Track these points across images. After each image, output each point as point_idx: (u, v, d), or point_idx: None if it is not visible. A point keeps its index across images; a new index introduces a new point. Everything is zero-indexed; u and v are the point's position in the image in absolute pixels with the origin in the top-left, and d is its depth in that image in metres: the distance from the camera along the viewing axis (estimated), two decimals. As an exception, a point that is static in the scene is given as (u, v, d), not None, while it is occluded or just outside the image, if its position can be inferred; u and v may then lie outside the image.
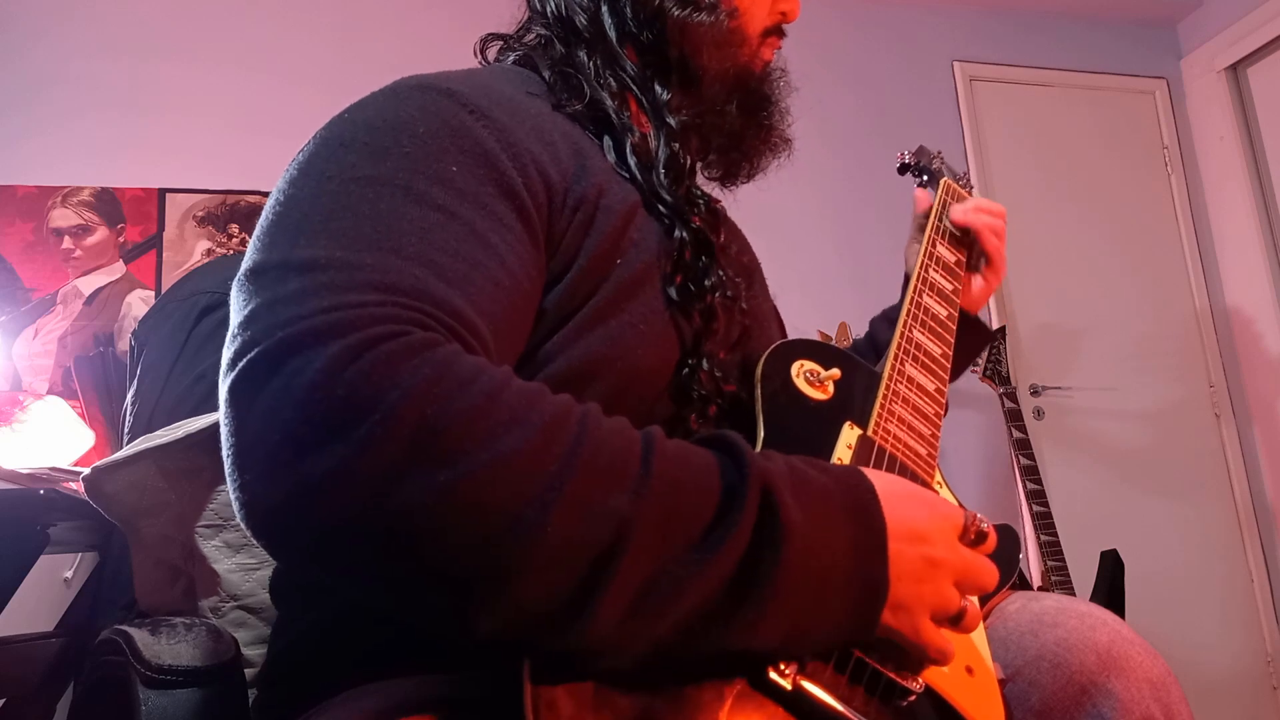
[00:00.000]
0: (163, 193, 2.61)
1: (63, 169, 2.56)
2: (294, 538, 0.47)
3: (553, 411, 0.48)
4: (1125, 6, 3.44)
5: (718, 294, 0.69)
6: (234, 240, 2.62)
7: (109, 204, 2.57)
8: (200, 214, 2.62)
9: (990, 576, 0.58)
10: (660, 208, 0.70)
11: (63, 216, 2.54)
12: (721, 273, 0.70)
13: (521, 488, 0.44)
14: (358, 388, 0.44)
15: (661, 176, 0.71)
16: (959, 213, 1.01)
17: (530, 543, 0.44)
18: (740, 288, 0.74)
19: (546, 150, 0.63)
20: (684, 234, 0.69)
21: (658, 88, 0.77)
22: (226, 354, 0.49)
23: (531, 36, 0.81)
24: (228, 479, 0.47)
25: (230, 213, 2.64)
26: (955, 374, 1.00)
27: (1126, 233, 3.32)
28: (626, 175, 0.71)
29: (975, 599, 0.58)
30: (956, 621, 0.56)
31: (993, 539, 0.59)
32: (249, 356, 0.47)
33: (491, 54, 0.84)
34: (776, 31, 0.85)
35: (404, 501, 0.43)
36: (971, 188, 1.14)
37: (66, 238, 2.53)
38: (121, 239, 2.57)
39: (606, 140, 0.72)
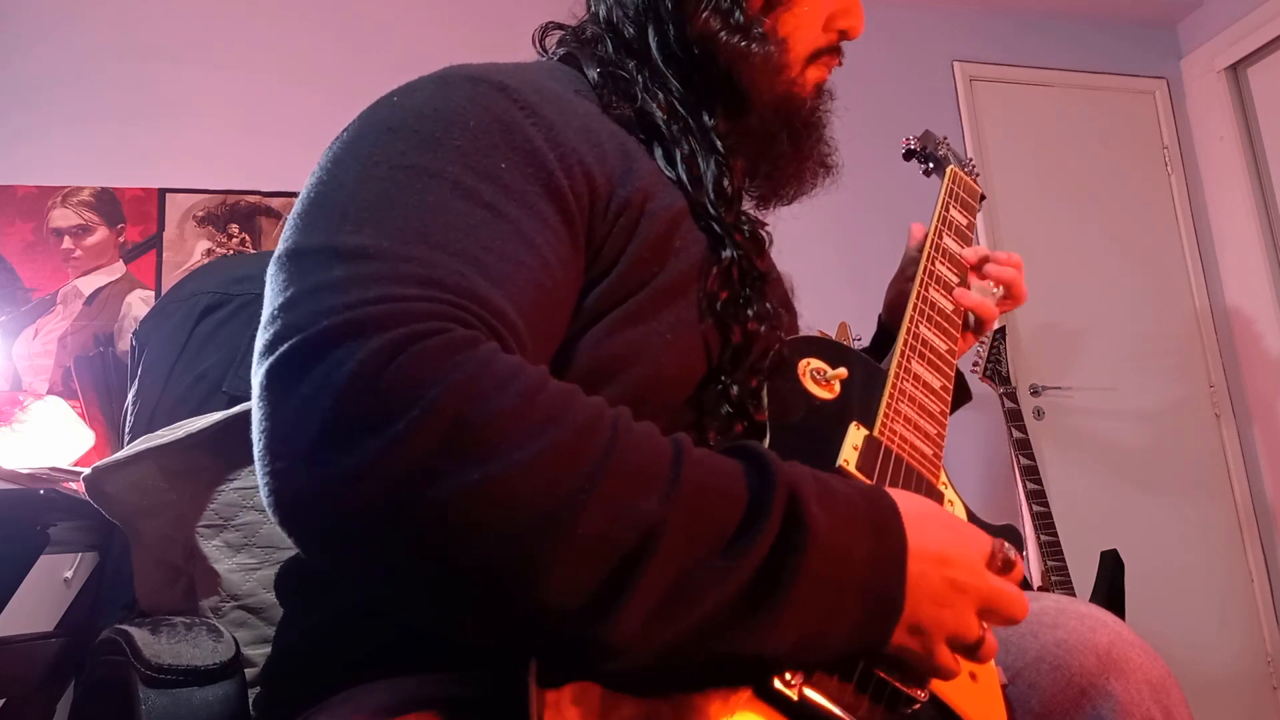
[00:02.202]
0: (163, 193, 2.61)
1: (63, 169, 2.56)
2: (321, 527, 0.46)
3: (587, 414, 0.48)
4: (1125, 6, 3.44)
5: (764, 324, 0.68)
6: (234, 240, 2.62)
7: (109, 204, 2.57)
8: (200, 214, 2.62)
9: (1020, 608, 0.56)
10: (713, 225, 0.69)
11: (63, 216, 2.54)
12: (768, 304, 0.70)
13: (553, 487, 0.44)
14: (397, 383, 0.44)
15: (712, 197, 0.71)
16: (963, 297, 0.91)
17: (560, 541, 0.44)
18: (781, 316, 0.73)
19: (593, 151, 0.63)
20: (734, 253, 0.69)
21: (704, 115, 0.75)
22: (264, 336, 0.49)
23: (588, 34, 0.80)
24: (256, 464, 0.47)
25: (230, 213, 2.64)
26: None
27: (1126, 233, 3.32)
28: (674, 179, 0.70)
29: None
30: (973, 651, 0.55)
31: (1019, 569, 0.57)
32: (290, 342, 0.47)
33: (550, 42, 0.82)
34: (831, 51, 0.82)
35: (436, 497, 0.43)
36: (978, 175, 1.12)
37: (66, 238, 2.53)
38: (121, 239, 2.57)
39: (656, 147, 0.71)
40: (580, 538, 0.44)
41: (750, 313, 0.68)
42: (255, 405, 0.48)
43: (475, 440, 0.44)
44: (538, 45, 0.83)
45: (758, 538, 0.47)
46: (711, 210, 0.70)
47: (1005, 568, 0.57)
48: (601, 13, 0.79)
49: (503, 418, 0.45)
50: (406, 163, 0.55)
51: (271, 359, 0.47)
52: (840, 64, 0.84)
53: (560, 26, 0.82)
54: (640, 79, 0.74)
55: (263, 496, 0.47)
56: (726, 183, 0.73)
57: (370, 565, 0.47)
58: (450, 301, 0.49)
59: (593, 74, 0.74)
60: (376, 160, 0.56)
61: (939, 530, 0.55)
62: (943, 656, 0.54)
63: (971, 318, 0.94)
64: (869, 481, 0.65)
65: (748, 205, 0.85)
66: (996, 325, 2.82)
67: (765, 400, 0.68)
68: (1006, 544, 0.57)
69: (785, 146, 0.81)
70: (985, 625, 0.55)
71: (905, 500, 0.56)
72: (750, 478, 0.50)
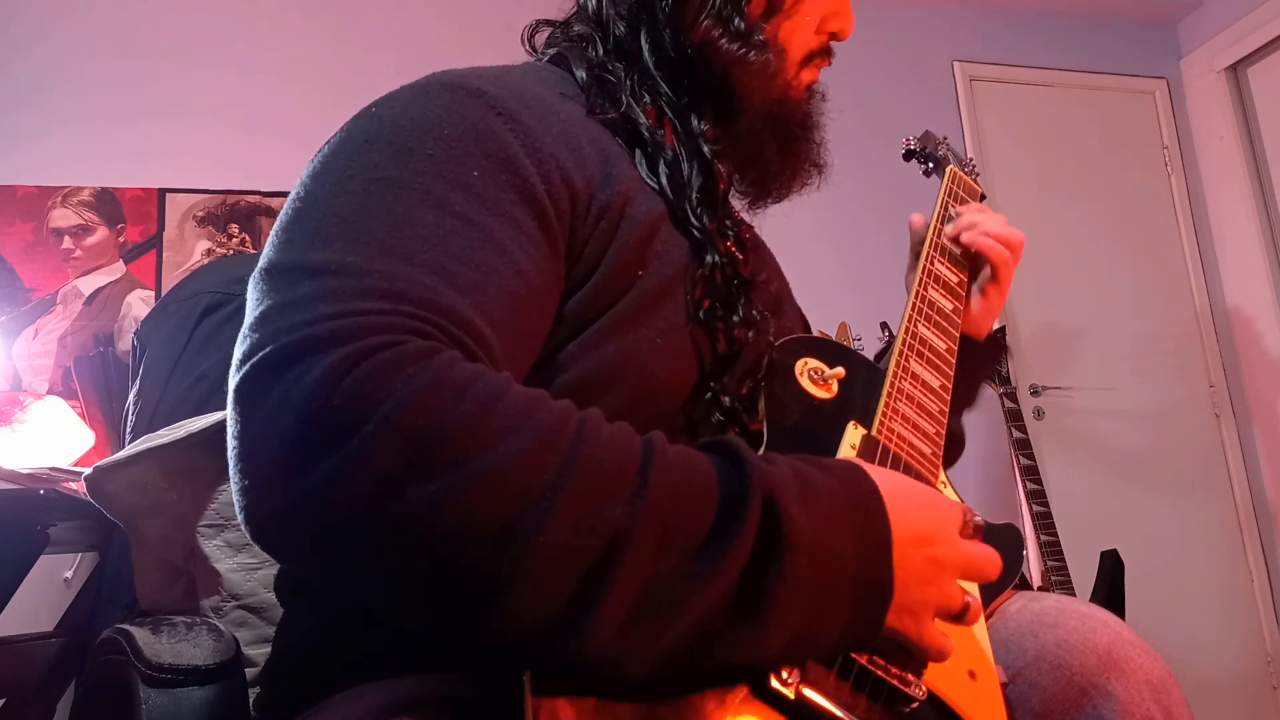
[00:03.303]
0: (163, 193, 2.61)
1: (63, 169, 2.56)
2: (291, 545, 0.47)
3: (550, 419, 0.47)
4: (1125, 6, 3.44)
5: (751, 331, 0.68)
6: (234, 240, 2.62)
7: (109, 204, 2.57)
8: (200, 214, 2.62)
9: (993, 565, 0.58)
10: (693, 231, 0.69)
11: (63, 216, 2.54)
12: (755, 310, 0.70)
13: (514, 498, 0.44)
14: (353, 397, 0.44)
15: (694, 202, 0.70)
16: (967, 236, 0.93)
17: (523, 554, 0.43)
18: (769, 321, 0.72)
19: (572, 156, 0.63)
20: (715, 258, 0.68)
21: (694, 119, 0.75)
22: (237, 352, 0.49)
23: (576, 31, 0.79)
24: (231, 481, 0.47)
25: (230, 213, 2.64)
26: (969, 402, 0.96)
27: (1126, 233, 3.32)
28: (655, 187, 0.70)
29: (976, 592, 0.58)
30: (960, 617, 0.56)
31: (982, 533, 0.59)
32: (254, 360, 0.47)
33: (540, 40, 0.82)
34: (822, 53, 0.82)
35: (396, 512, 0.43)
36: (978, 175, 1.12)
37: (66, 238, 2.53)
38: (121, 239, 2.57)
39: (638, 152, 0.71)
40: (544, 549, 0.43)
41: (735, 319, 0.68)
42: (228, 421, 0.48)
43: (432, 452, 0.44)
44: (526, 44, 0.82)
45: (733, 541, 0.47)
46: (693, 218, 0.69)
47: (975, 533, 0.59)
48: (591, 7, 0.78)
49: (460, 427, 0.44)
50: (379, 175, 0.55)
51: (238, 376, 0.48)
52: (830, 64, 0.84)
53: (550, 24, 0.82)
54: (628, 82, 0.74)
55: (236, 512, 0.47)
56: (711, 187, 0.72)
57: (344, 579, 0.47)
58: (410, 314, 0.49)
59: (581, 75, 0.74)
60: (351, 174, 0.56)
61: (918, 509, 0.55)
62: (931, 633, 0.55)
63: (987, 270, 0.94)
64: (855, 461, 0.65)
65: (738, 205, 0.85)
66: (996, 324, 2.82)
67: (761, 406, 0.68)
68: (974, 511, 0.59)
69: (776, 151, 0.81)
70: (967, 592, 0.56)
71: (882, 479, 0.55)
72: (725, 477, 0.49)
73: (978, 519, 0.59)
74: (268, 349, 0.47)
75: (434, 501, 0.43)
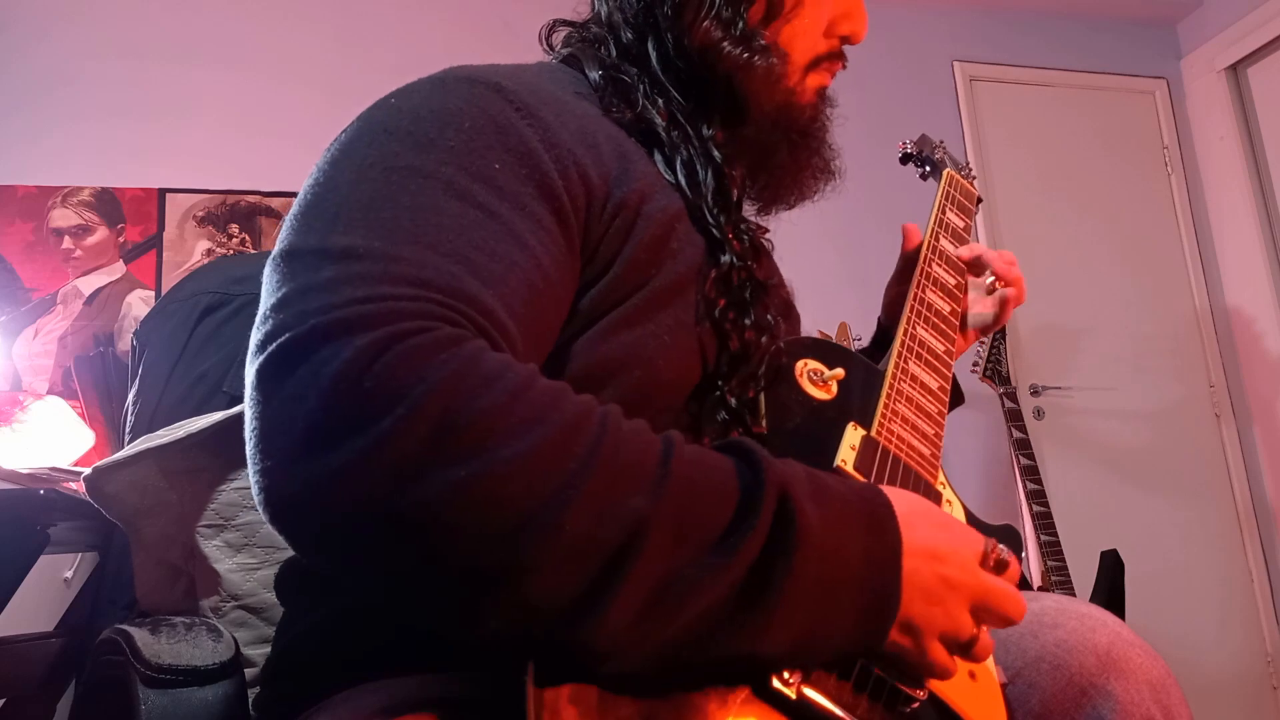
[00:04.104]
0: (163, 193, 2.61)
1: (63, 169, 2.56)
2: (309, 527, 0.46)
3: (574, 411, 0.48)
4: (1125, 6, 3.44)
5: (762, 335, 0.68)
6: (234, 240, 2.62)
7: (109, 204, 2.57)
8: (200, 214, 2.62)
9: (1016, 607, 0.56)
10: (712, 230, 0.69)
11: (63, 216, 2.54)
12: (768, 313, 0.70)
13: (539, 486, 0.44)
14: (383, 381, 0.44)
15: (710, 204, 0.70)
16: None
17: (545, 541, 0.44)
18: (780, 326, 0.72)
19: (589, 153, 0.63)
20: (732, 259, 0.68)
21: (703, 124, 0.75)
22: (256, 335, 0.49)
23: (591, 34, 0.79)
24: (249, 462, 0.47)
25: (230, 213, 2.64)
26: None
27: (1126, 233, 3.32)
28: (673, 183, 0.70)
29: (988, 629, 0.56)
30: (967, 649, 0.55)
31: (1014, 569, 0.57)
32: (279, 341, 0.47)
33: (556, 40, 0.82)
34: (833, 56, 0.81)
35: (421, 496, 0.43)
36: (974, 178, 1.12)
37: (66, 238, 2.53)
38: (121, 239, 2.57)
39: (655, 152, 0.71)
40: (567, 536, 0.44)
41: (748, 321, 0.68)
42: (246, 404, 0.48)
43: (461, 438, 0.44)
44: (544, 43, 0.83)
45: (748, 535, 0.47)
46: (710, 217, 0.69)
47: (999, 567, 0.57)
48: (603, 13, 0.79)
49: (489, 415, 0.45)
50: (400, 164, 0.55)
51: (261, 358, 0.47)
52: (844, 67, 0.83)
53: (567, 24, 0.82)
54: (641, 85, 0.74)
55: (254, 495, 0.47)
56: (725, 191, 0.72)
57: (361, 564, 0.47)
58: (439, 301, 0.49)
59: (594, 76, 0.74)
60: (371, 162, 0.56)
61: (931, 527, 0.55)
62: (936, 654, 0.54)
63: (970, 317, 0.96)
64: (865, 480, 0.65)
65: (748, 211, 0.85)
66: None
67: (762, 409, 0.68)
68: (1000, 544, 0.57)
69: (784, 156, 0.80)
70: (979, 623, 0.55)
71: (899, 497, 0.55)
72: (742, 475, 0.50)
73: (1003, 553, 0.57)
74: (294, 330, 0.47)
75: (460, 487, 0.43)
